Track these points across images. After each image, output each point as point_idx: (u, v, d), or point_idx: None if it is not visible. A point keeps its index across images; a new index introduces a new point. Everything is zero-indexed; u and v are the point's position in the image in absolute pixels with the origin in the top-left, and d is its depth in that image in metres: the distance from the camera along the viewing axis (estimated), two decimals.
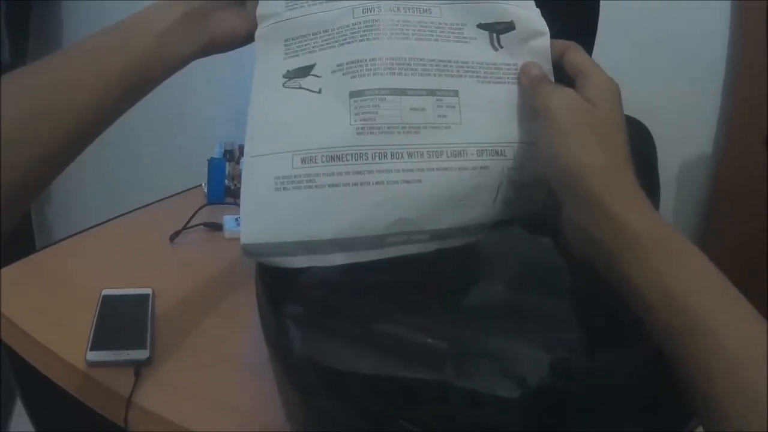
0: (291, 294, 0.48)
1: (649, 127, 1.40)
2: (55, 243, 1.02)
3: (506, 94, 0.49)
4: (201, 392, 0.66)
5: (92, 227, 1.06)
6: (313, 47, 0.51)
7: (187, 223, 1.00)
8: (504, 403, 0.39)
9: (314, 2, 0.52)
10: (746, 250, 1.38)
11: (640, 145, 1.36)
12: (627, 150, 0.43)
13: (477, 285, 0.51)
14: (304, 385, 0.43)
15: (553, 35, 0.51)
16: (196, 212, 1.01)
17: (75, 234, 1.04)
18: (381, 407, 0.40)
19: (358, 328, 0.45)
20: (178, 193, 1.26)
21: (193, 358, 0.71)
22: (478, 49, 0.50)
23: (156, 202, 1.19)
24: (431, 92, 0.47)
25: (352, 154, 0.45)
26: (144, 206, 1.16)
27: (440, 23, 0.50)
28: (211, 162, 1.19)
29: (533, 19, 0.51)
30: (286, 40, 0.52)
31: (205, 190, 1.20)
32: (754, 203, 1.37)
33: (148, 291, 0.81)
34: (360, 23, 0.49)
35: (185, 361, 0.71)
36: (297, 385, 0.43)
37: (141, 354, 0.69)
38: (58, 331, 0.73)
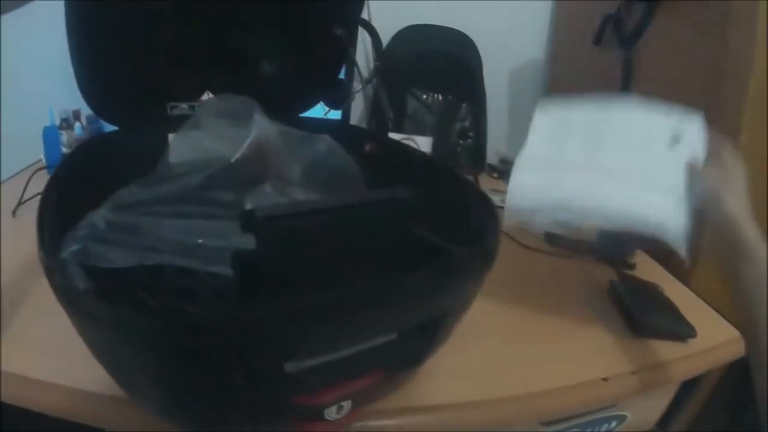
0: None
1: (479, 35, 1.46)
2: None
3: None
4: (52, 347, 0.68)
5: None
6: None
7: (22, 195, 1.03)
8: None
9: None
10: None
11: (462, 53, 1.43)
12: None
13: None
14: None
15: None
16: (27, 183, 1.03)
17: None
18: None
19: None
20: (21, 171, 1.26)
21: (43, 318, 0.74)
22: None
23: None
24: None
25: None
26: None
27: None
28: (45, 131, 1.20)
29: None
30: None
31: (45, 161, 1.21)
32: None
33: None
34: None
35: (36, 322, 0.74)
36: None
37: None
38: None
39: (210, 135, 0.71)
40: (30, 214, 1.03)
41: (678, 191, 0.70)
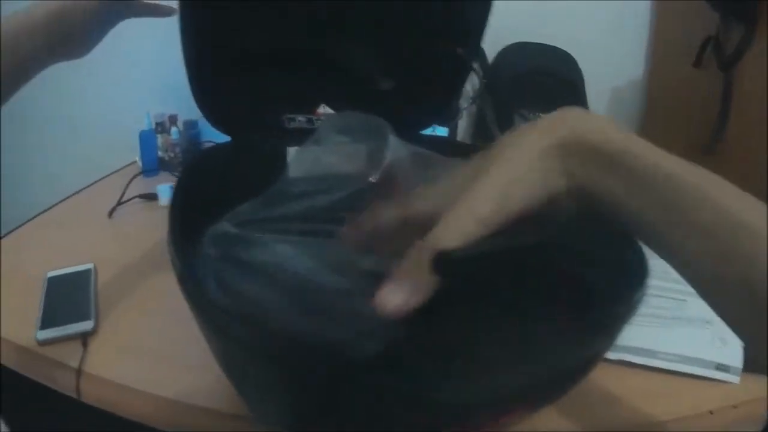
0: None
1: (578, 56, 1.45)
2: (1, 238, 1.03)
3: None
4: (148, 352, 0.69)
5: (33, 217, 1.07)
6: None
7: (122, 196, 1.02)
8: None
9: None
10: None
11: (567, 73, 1.42)
12: None
13: None
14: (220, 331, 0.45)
15: None
16: (127, 185, 1.03)
17: (17, 227, 1.05)
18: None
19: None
20: (115, 171, 1.27)
21: (139, 321, 0.74)
22: None
23: (94, 183, 1.20)
24: None
25: None
26: (82, 189, 1.17)
27: None
28: (142, 135, 1.20)
29: None
30: None
31: (140, 164, 1.21)
32: (684, 123, 1.43)
33: (90, 266, 0.84)
34: None
35: (132, 325, 0.74)
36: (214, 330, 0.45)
37: (86, 325, 0.71)
38: (10, 319, 0.75)
39: (330, 151, 0.68)
40: (125, 216, 1.05)
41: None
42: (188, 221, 0.53)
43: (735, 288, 0.33)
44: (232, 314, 0.43)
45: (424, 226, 0.38)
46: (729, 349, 0.75)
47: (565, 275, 0.51)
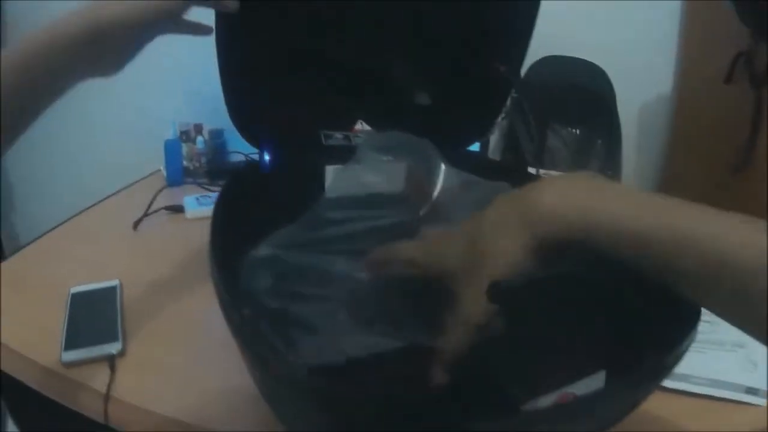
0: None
1: (607, 70, 1.43)
2: (23, 247, 1.01)
3: None
4: (179, 376, 0.66)
5: (57, 226, 1.05)
6: None
7: (148, 209, 1.00)
8: None
9: None
10: (705, 185, 1.41)
11: (598, 87, 1.41)
12: None
13: None
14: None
15: None
16: (154, 197, 1.01)
17: (41, 236, 1.02)
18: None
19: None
20: (138, 180, 1.25)
21: (168, 343, 0.71)
22: None
23: (117, 192, 1.18)
24: None
25: None
26: (106, 198, 1.15)
27: None
28: (167, 144, 1.18)
29: None
30: None
31: (165, 173, 1.19)
32: (713, 140, 1.40)
33: (116, 283, 0.81)
34: None
35: (160, 347, 0.71)
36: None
37: (114, 347, 0.68)
38: (33, 334, 0.73)
39: (370, 170, 0.65)
40: (151, 228, 1.02)
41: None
42: (228, 242, 0.51)
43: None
44: (281, 352, 0.41)
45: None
46: (759, 372, 0.75)
47: (617, 319, 0.49)
